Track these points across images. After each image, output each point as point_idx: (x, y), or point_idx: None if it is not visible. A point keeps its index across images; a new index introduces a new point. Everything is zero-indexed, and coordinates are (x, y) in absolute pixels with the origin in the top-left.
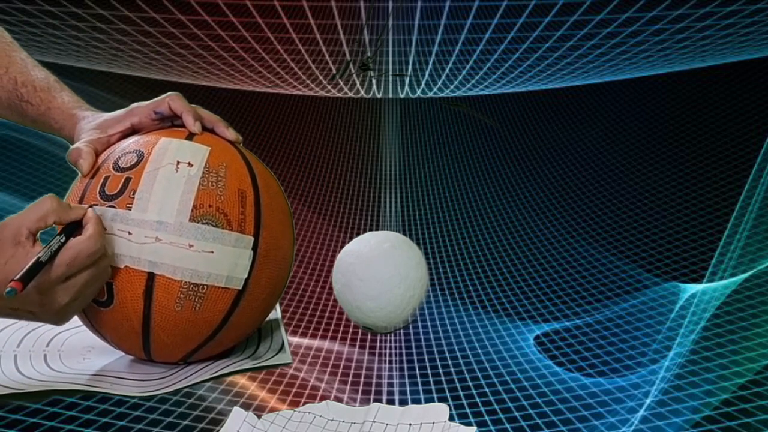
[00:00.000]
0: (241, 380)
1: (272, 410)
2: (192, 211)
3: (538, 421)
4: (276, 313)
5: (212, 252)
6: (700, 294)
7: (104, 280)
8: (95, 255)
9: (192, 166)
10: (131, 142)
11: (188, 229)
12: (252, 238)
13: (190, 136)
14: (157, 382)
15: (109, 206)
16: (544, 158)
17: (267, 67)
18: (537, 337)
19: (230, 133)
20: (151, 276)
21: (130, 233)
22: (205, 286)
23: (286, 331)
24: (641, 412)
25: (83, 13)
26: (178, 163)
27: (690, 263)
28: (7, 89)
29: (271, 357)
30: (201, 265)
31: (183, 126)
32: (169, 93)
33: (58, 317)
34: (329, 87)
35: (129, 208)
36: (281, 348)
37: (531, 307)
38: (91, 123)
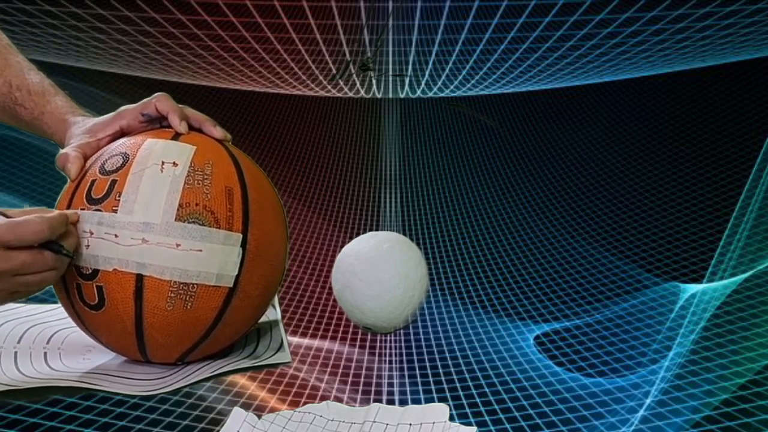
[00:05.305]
0: (241, 380)
1: (272, 410)
2: (178, 210)
3: (538, 421)
4: (276, 312)
5: (200, 251)
6: (700, 294)
7: (33, 288)
8: (40, 234)
9: (177, 165)
10: (118, 145)
11: (175, 228)
12: (240, 236)
13: (177, 136)
14: (157, 381)
15: (96, 210)
16: (544, 158)
17: (267, 67)
18: (537, 337)
19: (218, 132)
20: (139, 277)
21: (116, 236)
22: (195, 285)
23: (286, 331)
24: (641, 412)
25: (83, 13)
26: (163, 163)
27: (690, 263)
28: (2, 92)
29: (271, 356)
30: (190, 264)
31: (171, 127)
32: (156, 94)
33: None
34: (329, 87)
35: (115, 211)
36: (280, 347)
37: (531, 307)
38: (81, 128)
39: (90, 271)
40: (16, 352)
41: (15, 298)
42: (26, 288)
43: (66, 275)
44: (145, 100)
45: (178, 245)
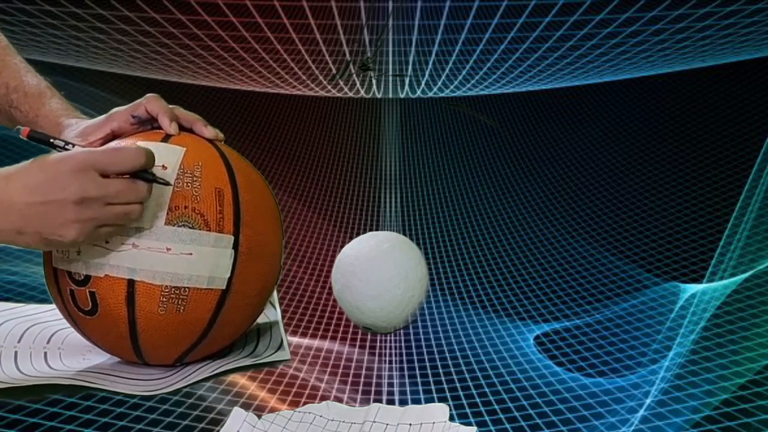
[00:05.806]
0: (241, 380)
1: (272, 410)
2: (167, 213)
3: (538, 421)
4: (276, 312)
5: (191, 254)
6: (700, 294)
7: (120, 221)
8: (137, 161)
9: (166, 168)
10: None
11: (164, 232)
12: (232, 237)
13: (167, 138)
14: (157, 381)
15: None
16: (544, 158)
17: (267, 67)
18: (537, 337)
19: (209, 131)
20: (131, 282)
21: (107, 242)
22: (187, 289)
23: (286, 331)
24: (641, 412)
25: (83, 13)
26: None
27: (690, 263)
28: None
29: (271, 354)
30: (180, 267)
31: (161, 128)
32: (147, 95)
33: (60, 230)
34: (329, 87)
35: None
36: (280, 346)
37: (531, 307)
38: (73, 131)
39: (82, 277)
40: (16, 352)
41: (99, 237)
42: (114, 221)
43: (59, 280)
44: (135, 102)
45: (168, 249)
